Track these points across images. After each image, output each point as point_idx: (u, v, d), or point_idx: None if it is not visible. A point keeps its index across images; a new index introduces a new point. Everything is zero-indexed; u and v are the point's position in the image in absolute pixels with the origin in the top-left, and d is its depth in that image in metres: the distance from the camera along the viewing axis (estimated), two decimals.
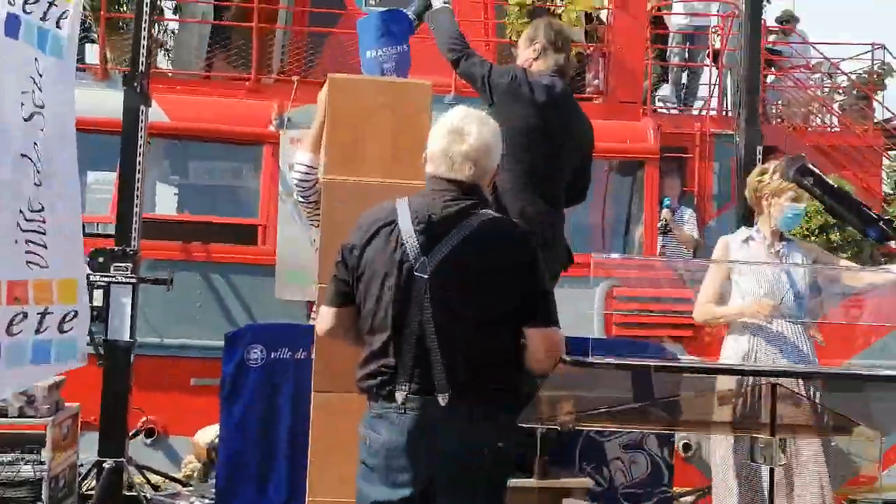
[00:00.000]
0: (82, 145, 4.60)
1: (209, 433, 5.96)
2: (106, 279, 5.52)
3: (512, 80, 4.31)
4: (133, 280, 5.58)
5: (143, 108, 5.63)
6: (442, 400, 2.94)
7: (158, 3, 5.82)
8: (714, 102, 10.08)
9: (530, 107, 4.27)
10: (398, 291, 2.99)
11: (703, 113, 9.92)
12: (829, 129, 10.77)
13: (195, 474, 6.17)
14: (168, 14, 9.74)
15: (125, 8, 8.47)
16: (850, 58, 11.31)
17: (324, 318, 3.24)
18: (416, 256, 3.00)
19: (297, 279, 8.28)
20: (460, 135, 3.07)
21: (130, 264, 5.56)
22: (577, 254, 4.52)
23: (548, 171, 4.31)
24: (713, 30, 9.99)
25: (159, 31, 9.09)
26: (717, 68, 10.22)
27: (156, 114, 6.89)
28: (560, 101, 4.35)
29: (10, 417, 4.84)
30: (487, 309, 2.99)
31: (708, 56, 10.19)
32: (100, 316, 5.49)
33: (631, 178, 9.14)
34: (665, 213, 8.96)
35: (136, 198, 5.66)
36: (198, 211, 8.47)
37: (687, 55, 10.40)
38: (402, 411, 2.97)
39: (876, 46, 11.18)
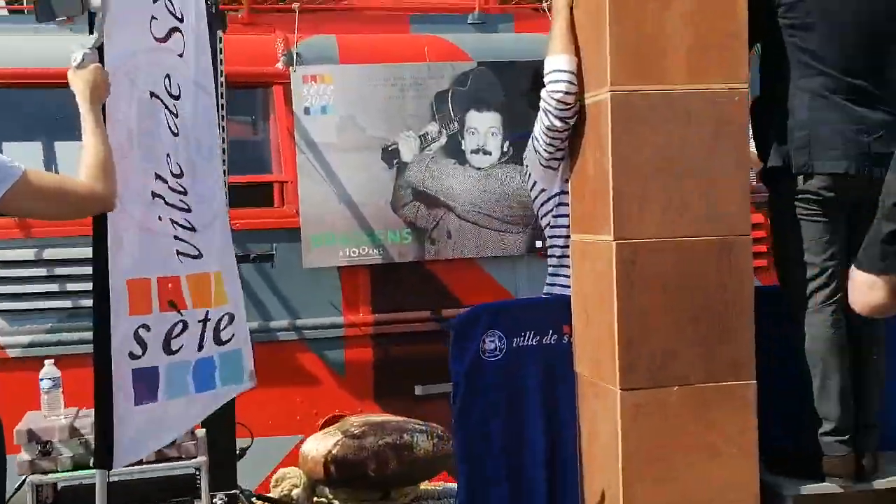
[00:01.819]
0: None
1: (322, 443, 4.76)
2: None
3: None
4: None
5: (219, 33, 4.32)
6: None
7: None
8: None
9: None
10: None
11: None
12: None
13: (295, 493, 4.95)
14: None
15: None
16: None
17: (868, 291, 2.01)
18: None
19: (326, 241, 7.12)
20: None
21: None
22: None
23: None
24: None
25: None
26: None
27: None
28: None
29: (150, 463, 3.45)
30: None
31: None
32: None
33: None
34: None
35: None
36: None
37: None
38: None
39: None
